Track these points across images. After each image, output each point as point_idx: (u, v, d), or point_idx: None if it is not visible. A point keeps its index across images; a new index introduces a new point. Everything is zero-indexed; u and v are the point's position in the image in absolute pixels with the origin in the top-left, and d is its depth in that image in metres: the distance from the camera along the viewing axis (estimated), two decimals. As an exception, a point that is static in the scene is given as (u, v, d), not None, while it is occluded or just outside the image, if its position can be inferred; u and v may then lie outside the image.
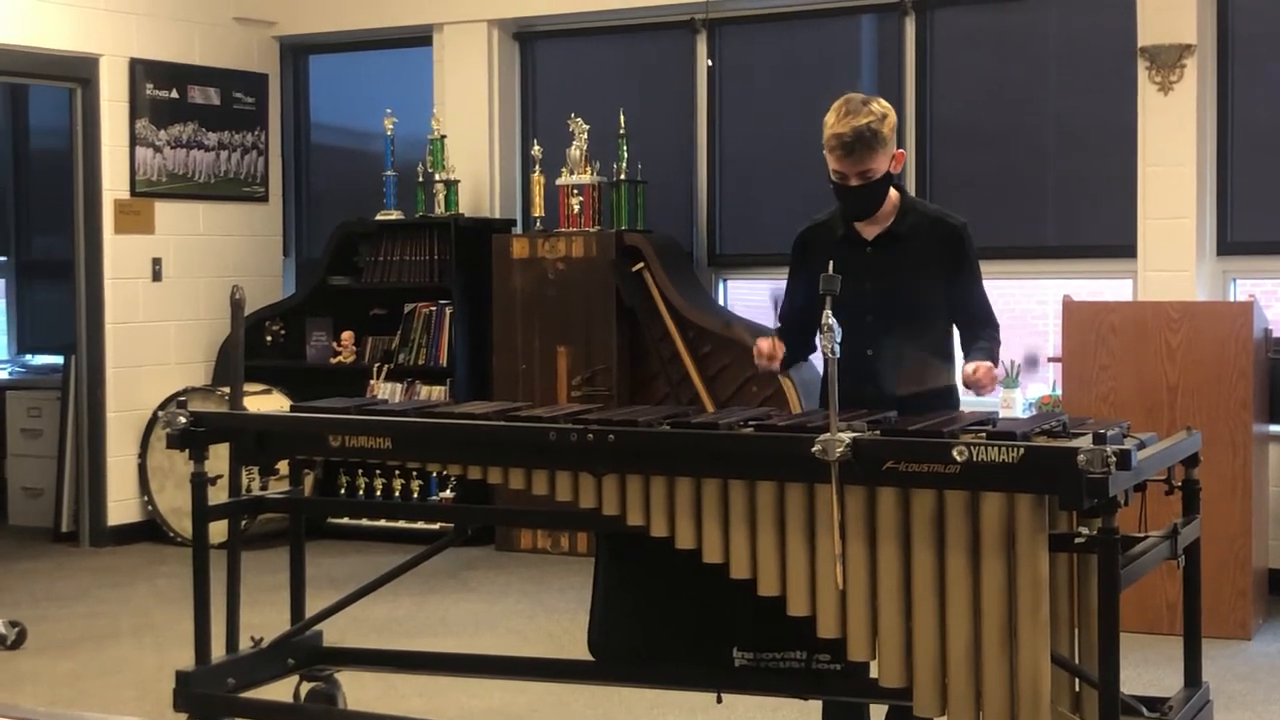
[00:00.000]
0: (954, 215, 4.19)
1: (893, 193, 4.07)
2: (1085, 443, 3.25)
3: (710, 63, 7.93)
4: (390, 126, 8.23)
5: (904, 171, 7.41)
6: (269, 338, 8.51)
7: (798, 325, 4.23)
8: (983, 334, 4.08)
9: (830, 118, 3.97)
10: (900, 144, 7.29)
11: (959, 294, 4.08)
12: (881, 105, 3.99)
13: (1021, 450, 3.30)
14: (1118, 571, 3.28)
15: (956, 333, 4.19)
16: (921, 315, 4.03)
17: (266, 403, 7.82)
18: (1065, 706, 3.49)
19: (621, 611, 4.24)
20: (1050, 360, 6.87)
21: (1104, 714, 3.30)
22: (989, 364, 3.96)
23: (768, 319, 7.55)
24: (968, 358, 4.05)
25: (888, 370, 3.98)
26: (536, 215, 7.89)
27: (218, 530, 4.55)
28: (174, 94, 8.27)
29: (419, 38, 8.52)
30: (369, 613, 6.02)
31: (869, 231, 4.07)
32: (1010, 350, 7.14)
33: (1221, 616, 5.85)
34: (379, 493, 8.16)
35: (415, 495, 8.10)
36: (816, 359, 4.22)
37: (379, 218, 8.22)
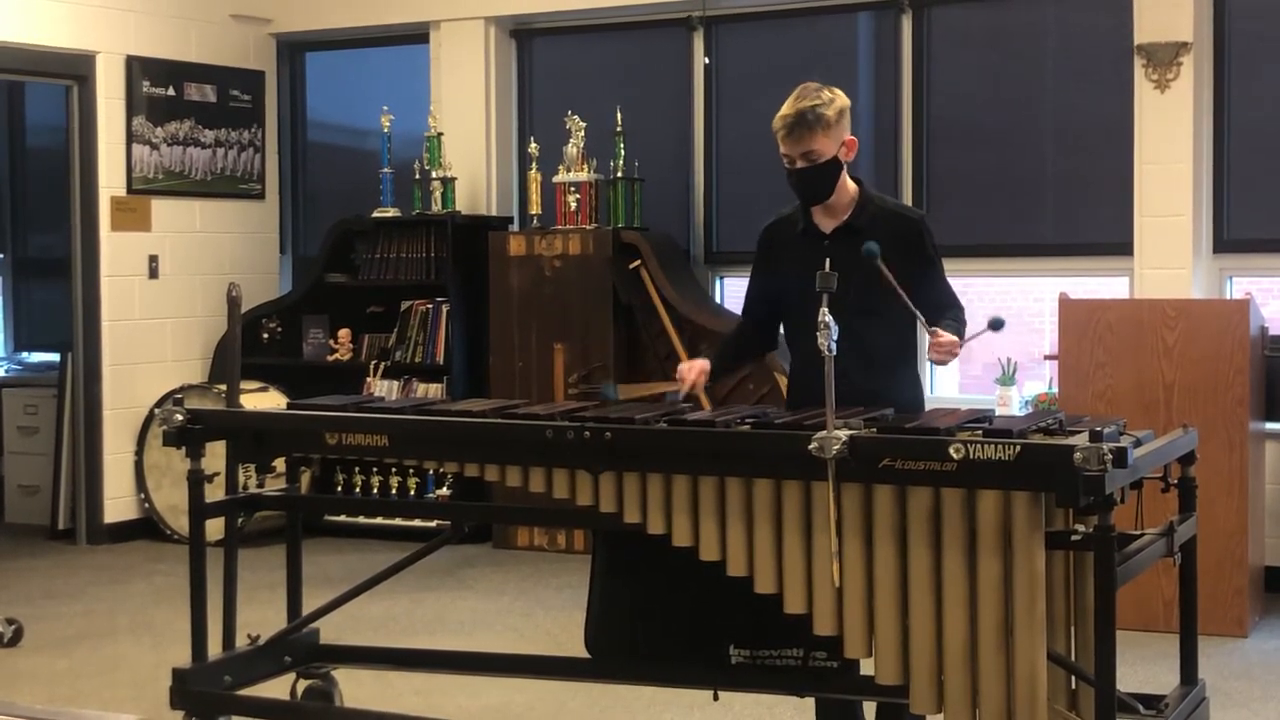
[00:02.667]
0: (912, 209, 4.24)
1: (851, 186, 4.09)
2: (1082, 440, 3.25)
3: (707, 60, 7.94)
4: (387, 124, 8.23)
5: (899, 169, 7.44)
6: (266, 335, 8.50)
7: (759, 318, 4.29)
8: (948, 315, 4.08)
9: (784, 104, 4.01)
10: (891, 141, 7.42)
11: (923, 287, 4.08)
12: (832, 92, 4.03)
13: (1018, 448, 3.30)
14: (1114, 569, 3.28)
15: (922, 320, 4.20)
16: (880, 308, 4.02)
17: (263, 400, 7.81)
18: (1062, 704, 3.49)
19: (618, 609, 4.24)
20: (1047, 358, 6.88)
21: (1100, 711, 3.30)
22: (951, 336, 3.95)
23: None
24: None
25: (850, 364, 3.96)
26: (533, 213, 7.89)
27: (214, 528, 4.54)
28: (170, 91, 8.26)
29: (416, 35, 8.52)
30: (366, 610, 6.02)
31: (827, 225, 4.09)
32: (1000, 349, 7.16)
33: (1218, 614, 5.85)
34: (376, 490, 8.16)
35: (412, 493, 8.09)
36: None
37: (376, 215, 8.22)
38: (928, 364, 4.09)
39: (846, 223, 4.08)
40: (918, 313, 3.90)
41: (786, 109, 3.99)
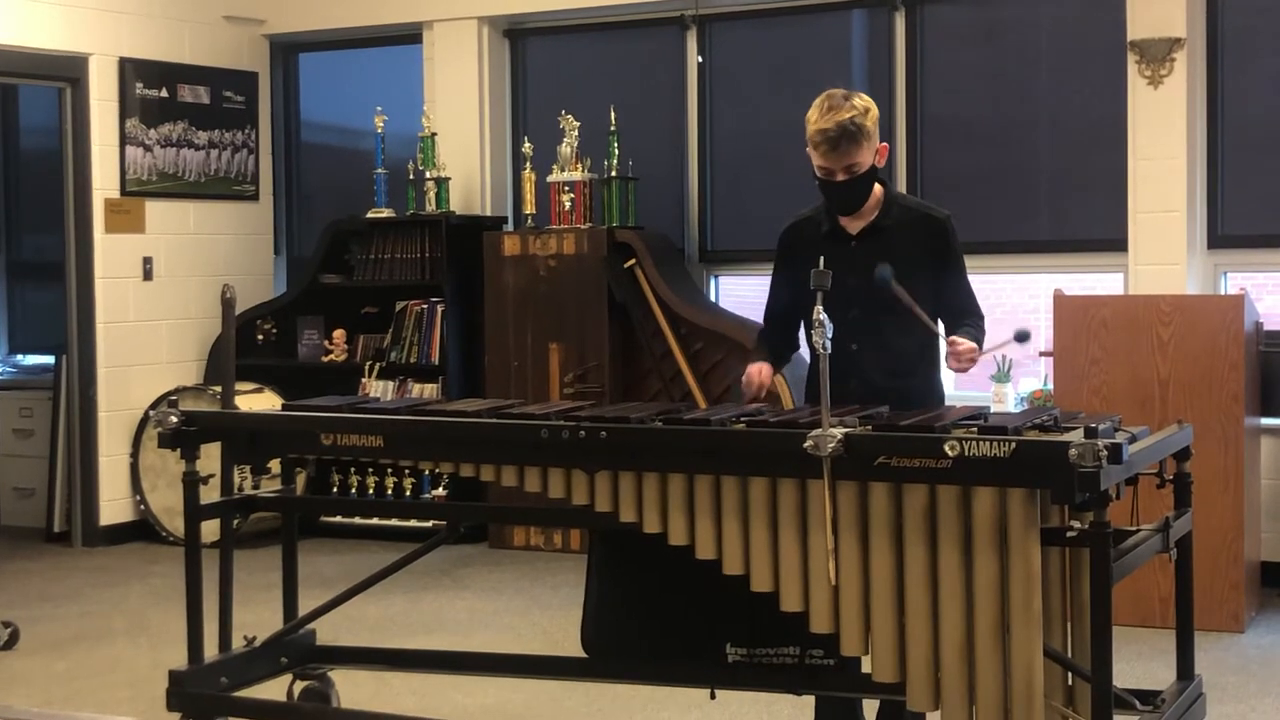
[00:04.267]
0: (938, 208, 4.22)
1: (876, 186, 4.08)
2: (1077, 437, 3.25)
3: (700, 59, 7.93)
4: (381, 124, 8.22)
5: (893, 167, 7.44)
6: (260, 336, 8.50)
7: (783, 321, 4.27)
8: (967, 322, 4.08)
9: (813, 114, 3.98)
10: (885, 138, 7.38)
11: (945, 287, 4.08)
12: (863, 100, 4.00)
13: (1013, 445, 3.30)
14: (1110, 565, 3.28)
15: (942, 326, 4.20)
16: (904, 308, 4.02)
17: (258, 401, 7.81)
18: (1058, 700, 3.49)
19: (615, 608, 4.24)
20: (1042, 354, 6.88)
21: (1097, 707, 3.30)
22: (971, 343, 3.95)
23: (759, 314, 7.54)
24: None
25: (872, 365, 3.98)
26: (528, 212, 7.89)
27: (210, 529, 4.54)
28: (164, 93, 8.26)
29: (409, 35, 8.52)
30: (362, 611, 6.01)
31: (853, 226, 4.08)
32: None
33: (1214, 610, 5.86)
34: (371, 491, 8.15)
35: (408, 493, 8.09)
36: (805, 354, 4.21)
37: (370, 216, 8.22)
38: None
39: (873, 223, 4.07)
40: (934, 326, 3.91)
41: (823, 122, 3.94)
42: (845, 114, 3.93)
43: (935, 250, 4.06)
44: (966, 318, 4.09)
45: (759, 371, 4.12)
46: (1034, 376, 7.16)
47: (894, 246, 4.03)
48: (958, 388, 7.42)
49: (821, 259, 3.94)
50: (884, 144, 4.07)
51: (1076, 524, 3.42)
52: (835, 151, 3.94)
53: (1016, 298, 7.63)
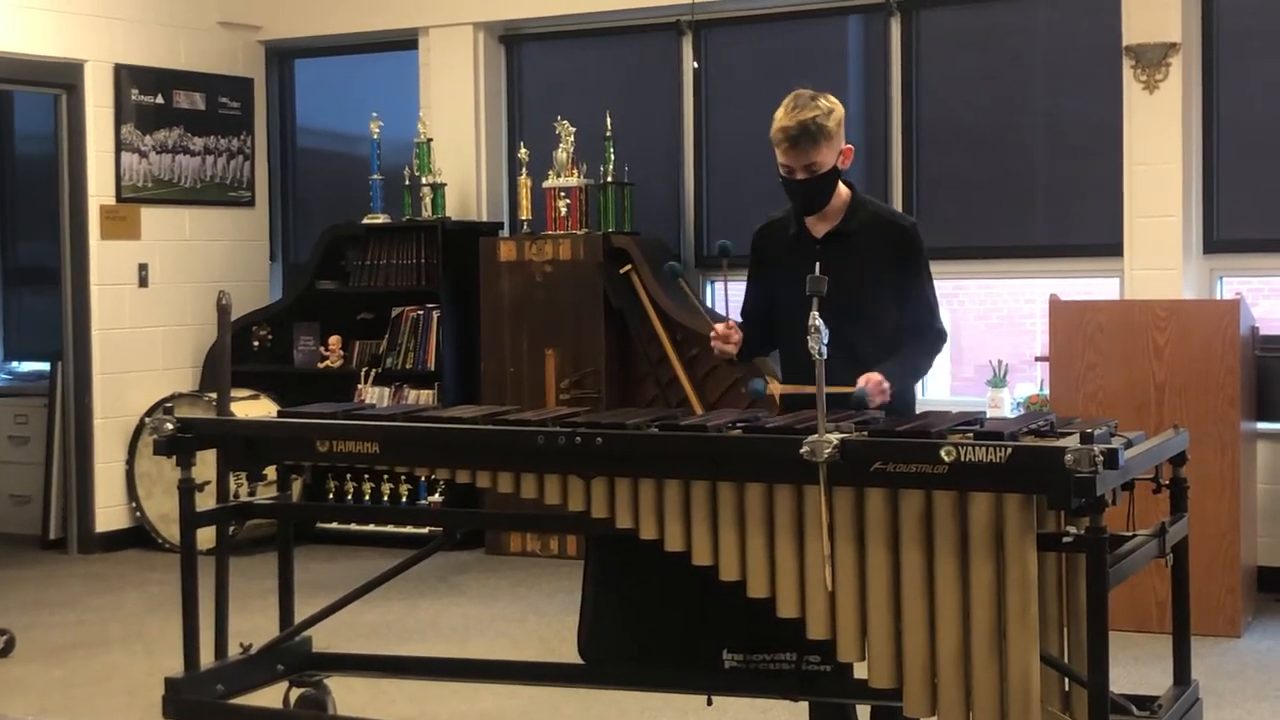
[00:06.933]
0: (904, 216, 4.25)
1: (844, 190, 4.09)
2: (1073, 442, 3.26)
3: (696, 64, 7.93)
4: (376, 130, 8.22)
5: (889, 172, 7.45)
6: (256, 343, 8.49)
7: (756, 321, 4.28)
8: (909, 343, 4.03)
9: (779, 112, 4.01)
10: (881, 144, 7.42)
11: (904, 296, 4.07)
12: (829, 101, 4.02)
13: (1009, 450, 3.30)
14: (1106, 570, 3.28)
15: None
16: (870, 313, 4.01)
17: (254, 408, 7.80)
18: (1055, 706, 3.49)
19: (611, 614, 4.23)
20: (1038, 359, 6.88)
21: (1093, 713, 3.30)
22: (878, 376, 3.85)
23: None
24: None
25: (838, 369, 3.94)
26: (524, 218, 7.89)
27: (206, 536, 4.54)
28: (159, 99, 8.25)
29: (405, 41, 8.52)
30: (358, 618, 6.00)
31: (818, 229, 4.09)
32: (991, 351, 7.16)
33: (1210, 614, 5.86)
34: (367, 497, 8.15)
35: (404, 499, 8.09)
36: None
37: (366, 221, 8.21)
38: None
39: (837, 228, 4.08)
40: (850, 390, 3.84)
41: (786, 120, 3.96)
42: (808, 113, 3.95)
43: (898, 257, 4.05)
44: (916, 333, 4.04)
45: (726, 326, 4.15)
46: (1030, 381, 7.16)
47: (858, 251, 4.03)
48: (953, 393, 7.43)
49: (818, 264, 3.94)
50: (849, 146, 4.07)
51: (1073, 529, 3.42)
52: (795, 149, 3.96)
53: (1012, 303, 7.63)
